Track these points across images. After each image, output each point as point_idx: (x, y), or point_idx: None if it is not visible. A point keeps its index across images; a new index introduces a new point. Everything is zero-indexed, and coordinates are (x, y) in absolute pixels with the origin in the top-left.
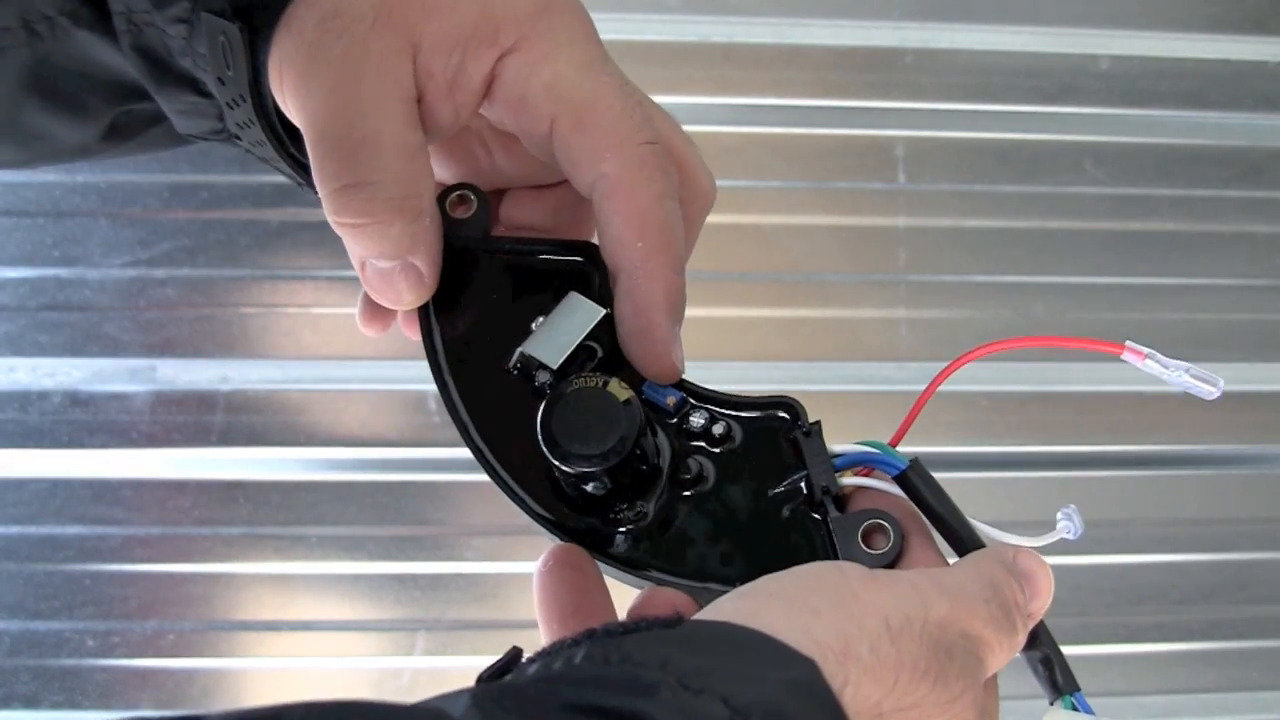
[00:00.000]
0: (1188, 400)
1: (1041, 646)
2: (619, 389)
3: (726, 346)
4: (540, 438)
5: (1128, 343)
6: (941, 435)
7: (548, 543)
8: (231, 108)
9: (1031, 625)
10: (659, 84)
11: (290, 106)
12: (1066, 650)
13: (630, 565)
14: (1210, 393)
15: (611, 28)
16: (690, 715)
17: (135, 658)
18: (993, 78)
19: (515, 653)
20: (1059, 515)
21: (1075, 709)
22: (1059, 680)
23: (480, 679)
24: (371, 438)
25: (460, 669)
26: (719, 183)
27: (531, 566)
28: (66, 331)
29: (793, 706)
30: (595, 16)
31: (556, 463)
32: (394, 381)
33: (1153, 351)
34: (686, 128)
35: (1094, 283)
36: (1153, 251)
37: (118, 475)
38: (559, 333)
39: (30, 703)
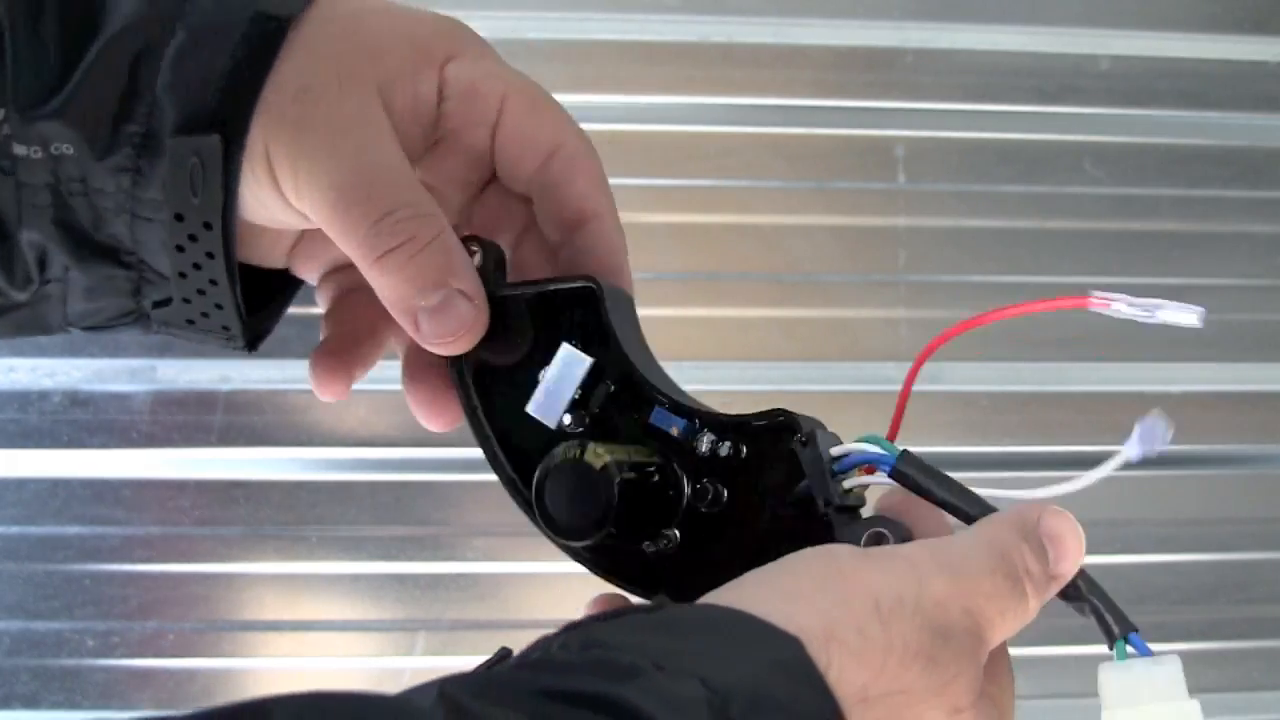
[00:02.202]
0: (1188, 400)
1: (1087, 596)
2: (594, 455)
3: (726, 346)
4: (540, 521)
5: (1092, 291)
6: (941, 435)
7: (550, 543)
8: (181, 250)
9: (1058, 588)
10: (659, 84)
11: (287, 181)
12: (1066, 650)
13: (669, 595)
14: (1193, 322)
15: (612, 28)
16: (669, 698)
17: (135, 658)
18: (993, 78)
19: (504, 652)
20: (1136, 426)
21: (1132, 652)
22: (1113, 626)
23: None
24: (371, 438)
25: (460, 669)
26: (719, 182)
27: (532, 566)
28: None
29: (776, 685)
30: (596, 16)
31: (557, 541)
32: (394, 381)
33: (1120, 295)
34: (686, 128)
35: (1094, 283)
36: (1153, 251)
37: (118, 475)
38: (555, 390)
39: (30, 703)
